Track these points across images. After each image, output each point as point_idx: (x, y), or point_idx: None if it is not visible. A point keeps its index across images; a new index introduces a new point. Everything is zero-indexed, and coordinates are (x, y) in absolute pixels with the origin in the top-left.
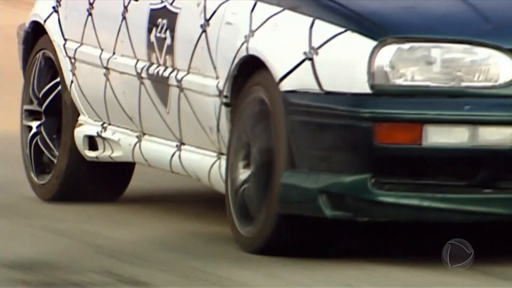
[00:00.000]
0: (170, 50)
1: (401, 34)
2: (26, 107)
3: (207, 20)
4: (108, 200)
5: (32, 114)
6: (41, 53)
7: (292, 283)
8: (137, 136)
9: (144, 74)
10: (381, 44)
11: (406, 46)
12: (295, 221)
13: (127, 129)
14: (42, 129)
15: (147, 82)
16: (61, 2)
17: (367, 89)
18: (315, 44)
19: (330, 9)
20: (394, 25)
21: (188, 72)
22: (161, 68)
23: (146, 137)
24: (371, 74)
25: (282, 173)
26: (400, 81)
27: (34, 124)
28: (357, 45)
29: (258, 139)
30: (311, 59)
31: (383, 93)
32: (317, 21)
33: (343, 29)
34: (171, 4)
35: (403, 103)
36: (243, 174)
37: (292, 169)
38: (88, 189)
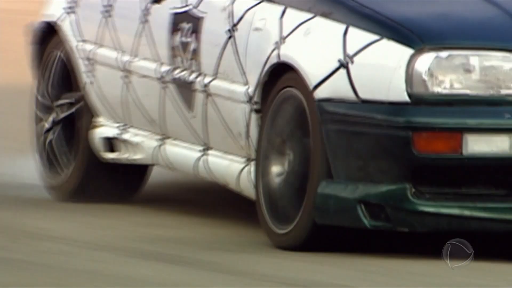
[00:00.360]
0: (196, 55)
1: (439, 41)
2: (40, 99)
3: (235, 25)
4: (122, 200)
5: (45, 108)
6: (58, 53)
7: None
8: (159, 139)
9: (168, 78)
10: (419, 52)
11: (444, 54)
12: (330, 230)
13: (149, 131)
14: (55, 131)
15: (171, 86)
16: (75, 4)
17: (405, 98)
18: (350, 51)
19: (364, 16)
20: (431, 32)
21: (216, 77)
22: (186, 73)
23: (169, 140)
24: (409, 82)
25: (318, 183)
26: (438, 90)
27: (46, 117)
28: (394, 53)
29: (293, 146)
30: (346, 67)
31: (422, 102)
32: (351, 28)
33: (378, 37)
34: (195, 8)
35: (443, 112)
36: (278, 179)
37: (328, 178)
38: (103, 188)
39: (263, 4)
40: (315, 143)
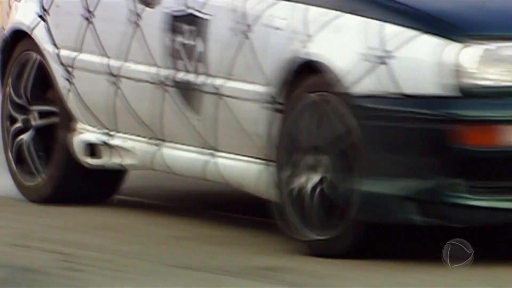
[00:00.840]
0: (203, 57)
1: (487, 33)
2: (16, 100)
3: (249, 26)
4: (97, 203)
5: (21, 108)
6: (34, 55)
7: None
8: (156, 144)
9: (169, 82)
10: (465, 45)
11: (492, 46)
12: (377, 228)
13: (141, 136)
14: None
15: (172, 90)
16: (49, 11)
17: (453, 92)
18: (389, 48)
19: (399, 12)
20: (477, 25)
21: (229, 79)
22: (191, 75)
23: (168, 144)
24: (457, 76)
25: (360, 180)
26: (488, 82)
27: (21, 117)
28: (438, 48)
29: (328, 145)
30: (386, 63)
31: (470, 95)
32: (387, 25)
33: (418, 32)
34: (199, 11)
35: (493, 104)
36: (308, 178)
37: (371, 175)
38: (80, 191)
39: (282, 3)
40: (356, 141)
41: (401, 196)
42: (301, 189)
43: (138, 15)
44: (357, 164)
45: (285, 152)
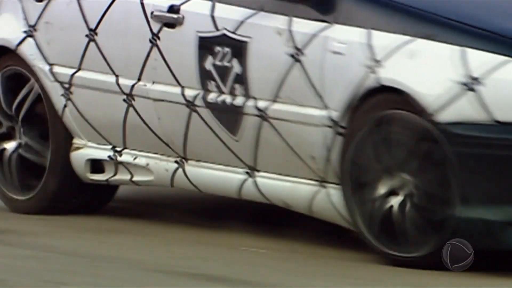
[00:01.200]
0: (241, 79)
1: None
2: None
3: (299, 49)
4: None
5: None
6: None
7: None
8: (176, 162)
9: (198, 102)
10: None
11: None
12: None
13: (159, 154)
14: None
15: (203, 110)
16: (37, 27)
17: None
18: (476, 74)
19: (482, 37)
20: None
21: (275, 101)
22: (227, 97)
23: (191, 162)
24: None
25: (455, 207)
26: None
27: (8, 145)
28: None
29: (411, 170)
30: (474, 90)
31: None
32: (469, 50)
33: (507, 57)
34: (233, 32)
35: None
36: (387, 201)
37: (467, 201)
38: (74, 204)
39: (337, 27)
40: (445, 167)
41: (502, 222)
42: (376, 212)
43: (155, 35)
44: (449, 189)
45: (357, 174)
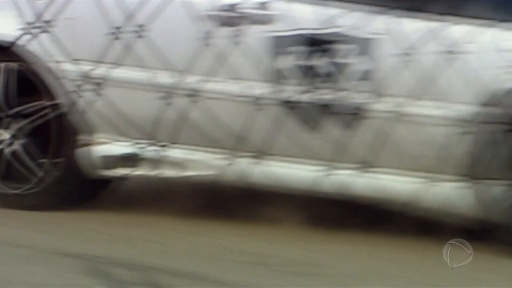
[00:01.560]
0: (366, 77)
1: None
2: None
3: (448, 47)
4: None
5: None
6: (3, 65)
7: None
8: (253, 156)
9: (294, 99)
10: None
11: None
12: None
13: (216, 148)
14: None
15: (277, 108)
16: (55, 23)
17: None
18: None
19: None
20: None
21: (418, 100)
22: (313, 95)
23: (271, 157)
24: None
25: None
26: None
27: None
28: None
29: None
30: None
31: None
32: None
33: None
34: (319, 34)
35: None
36: None
37: None
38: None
39: (473, 27)
40: None
41: None
42: None
43: (209, 33)
44: None
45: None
